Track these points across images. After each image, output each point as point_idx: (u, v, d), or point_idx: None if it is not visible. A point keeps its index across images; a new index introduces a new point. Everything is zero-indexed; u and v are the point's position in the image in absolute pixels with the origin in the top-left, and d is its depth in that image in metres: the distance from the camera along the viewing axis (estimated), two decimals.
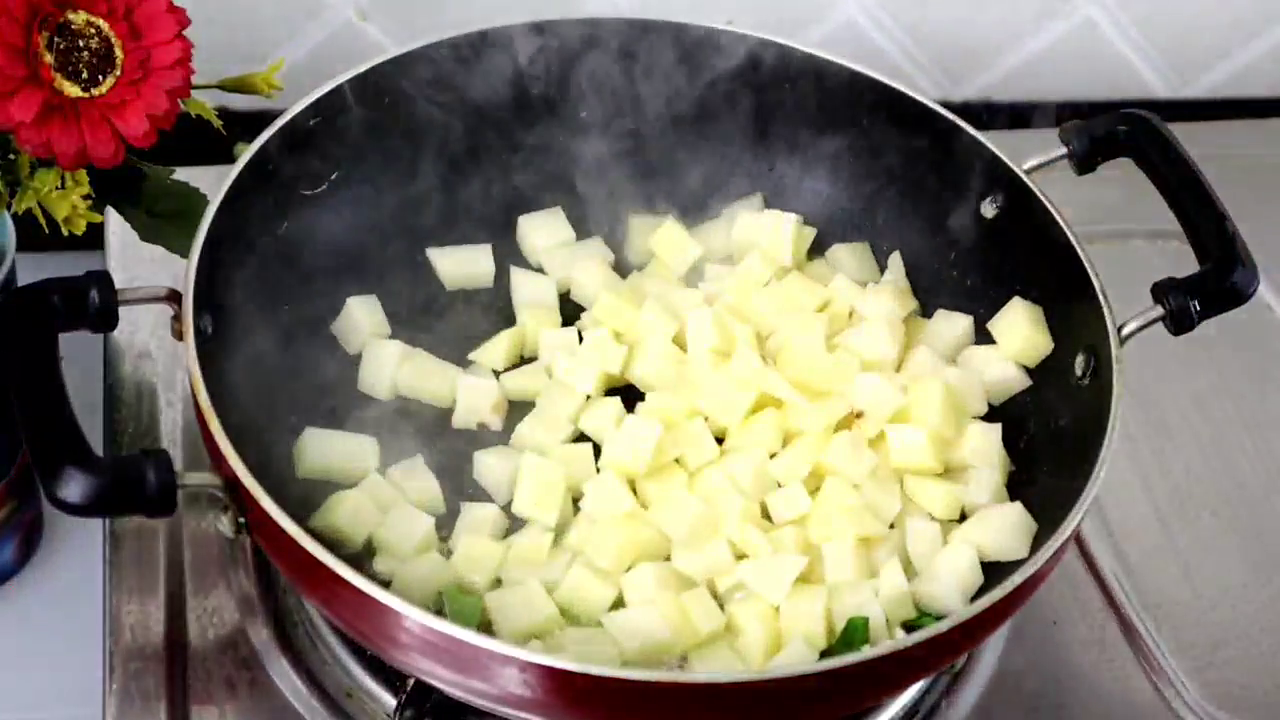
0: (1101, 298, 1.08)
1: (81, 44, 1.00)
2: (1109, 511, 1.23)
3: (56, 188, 1.04)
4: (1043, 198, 1.14)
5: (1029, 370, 1.16)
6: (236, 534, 0.96)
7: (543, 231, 1.25)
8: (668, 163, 1.27)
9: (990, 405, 1.16)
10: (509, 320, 1.21)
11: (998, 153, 1.17)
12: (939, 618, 0.98)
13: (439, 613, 0.93)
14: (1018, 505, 1.08)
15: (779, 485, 1.10)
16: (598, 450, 1.12)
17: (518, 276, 1.23)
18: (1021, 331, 1.15)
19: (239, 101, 1.17)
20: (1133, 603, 1.18)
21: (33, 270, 1.09)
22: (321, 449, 1.10)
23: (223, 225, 1.05)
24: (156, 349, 1.24)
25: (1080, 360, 1.10)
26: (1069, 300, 1.11)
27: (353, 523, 1.06)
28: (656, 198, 1.27)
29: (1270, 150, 1.55)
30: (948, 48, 1.53)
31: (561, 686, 0.89)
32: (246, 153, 1.10)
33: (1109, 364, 1.05)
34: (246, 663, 1.07)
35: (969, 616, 0.93)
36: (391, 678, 1.05)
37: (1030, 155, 1.17)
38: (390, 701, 1.05)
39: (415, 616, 0.89)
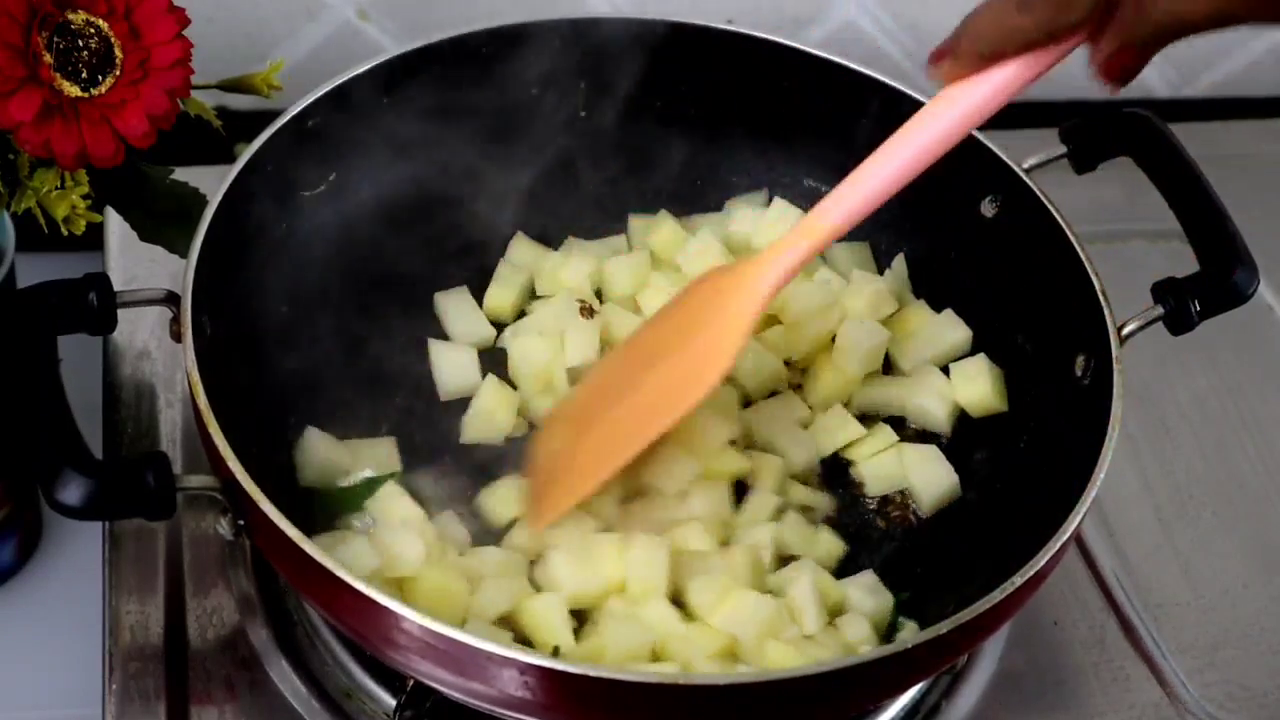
0: (1101, 298, 1.08)
1: (81, 44, 1.00)
2: (1109, 511, 1.23)
3: (56, 188, 1.03)
4: (1043, 197, 1.14)
5: (1029, 369, 1.16)
6: (236, 536, 0.96)
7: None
8: (668, 162, 1.27)
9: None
10: None
11: (998, 152, 1.17)
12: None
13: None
14: None
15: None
16: None
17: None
18: (980, 388, 1.16)
19: (239, 101, 1.17)
20: (1133, 603, 1.18)
21: (33, 270, 1.09)
22: (323, 454, 1.10)
23: (222, 225, 1.05)
24: (156, 349, 1.24)
25: (1080, 360, 1.10)
26: (1069, 300, 1.11)
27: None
28: (657, 197, 1.27)
29: (1270, 150, 1.55)
30: None
31: (561, 688, 0.89)
32: (246, 153, 1.10)
33: (1109, 364, 1.05)
34: (246, 663, 1.07)
35: (969, 617, 0.93)
36: (391, 678, 1.05)
37: (1030, 155, 1.17)
38: (390, 702, 1.05)
39: (414, 619, 0.88)
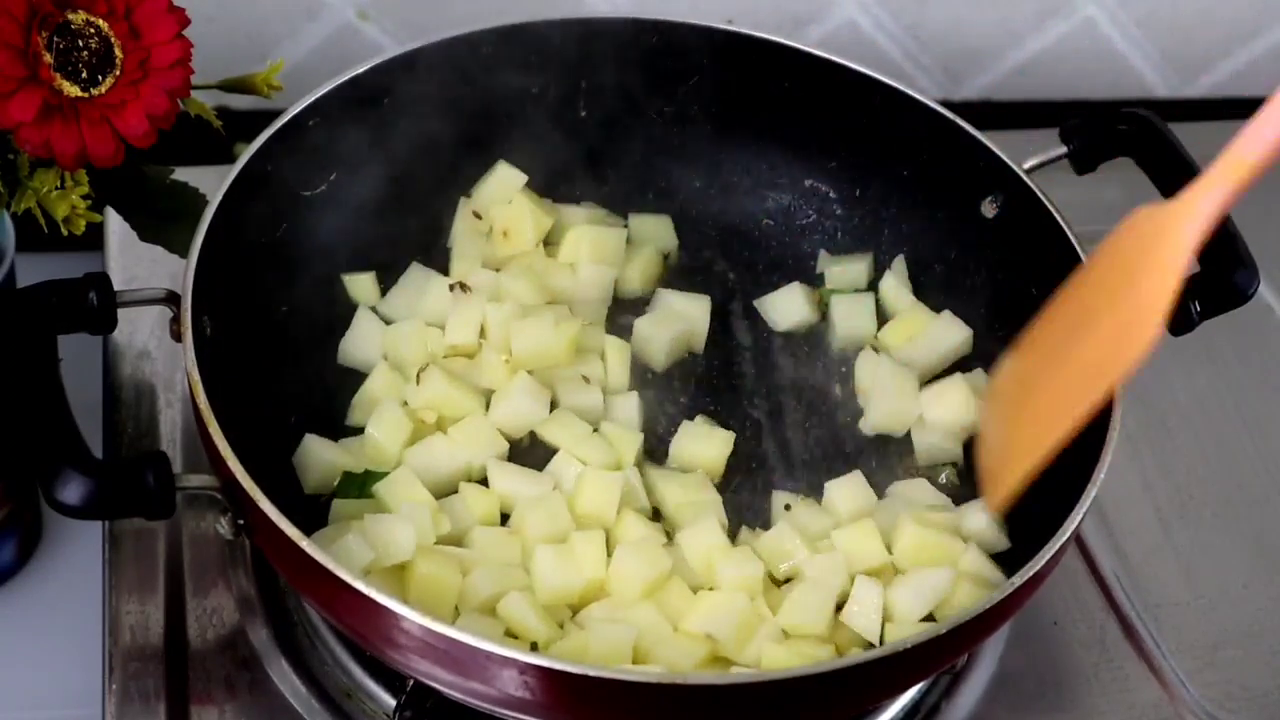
0: None
1: (81, 44, 1.00)
2: (1109, 511, 1.23)
3: (56, 188, 1.03)
4: (1043, 198, 1.14)
5: None
6: (236, 536, 0.96)
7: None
8: (669, 161, 1.27)
9: None
10: None
11: (998, 153, 1.17)
12: None
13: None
14: None
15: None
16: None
17: None
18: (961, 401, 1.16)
19: (239, 101, 1.17)
20: (1133, 603, 1.18)
21: (33, 270, 1.09)
22: (323, 458, 1.10)
23: (222, 225, 1.05)
24: (156, 349, 1.24)
25: None
26: None
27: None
28: (658, 196, 1.27)
29: None
30: (948, 48, 1.53)
31: (560, 688, 0.89)
32: (246, 153, 1.10)
33: None
34: (246, 663, 1.07)
35: (969, 617, 0.93)
36: (391, 678, 1.05)
37: (1030, 155, 1.17)
38: (390, 702, 1.05)
39: (413, 618, 0.89)
